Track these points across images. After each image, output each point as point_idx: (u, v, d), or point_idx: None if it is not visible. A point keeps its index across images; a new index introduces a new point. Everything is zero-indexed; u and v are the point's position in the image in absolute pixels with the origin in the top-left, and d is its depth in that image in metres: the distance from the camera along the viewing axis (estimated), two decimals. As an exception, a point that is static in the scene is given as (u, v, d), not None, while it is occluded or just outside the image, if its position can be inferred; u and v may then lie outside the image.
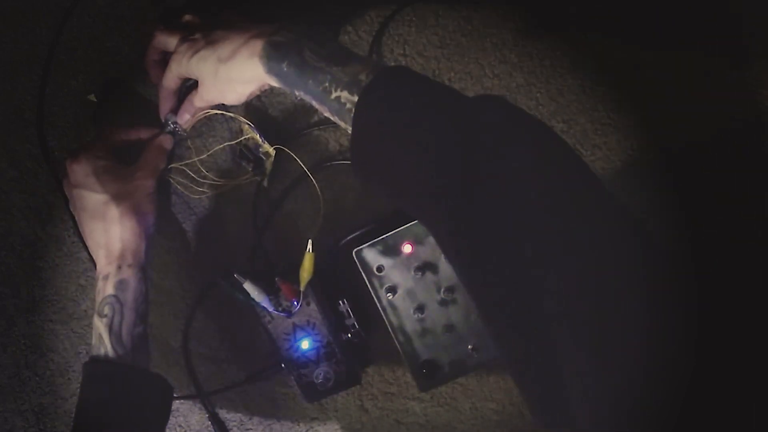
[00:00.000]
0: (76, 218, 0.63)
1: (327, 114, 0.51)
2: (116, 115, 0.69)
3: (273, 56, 0.51)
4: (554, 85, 0.66)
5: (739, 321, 0.38)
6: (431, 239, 0.61)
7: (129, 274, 0.60)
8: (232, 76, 0.54)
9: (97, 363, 0.59)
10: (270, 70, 0.52)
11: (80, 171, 0.61)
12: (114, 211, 0.60)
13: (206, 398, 0.72)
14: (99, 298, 0.60)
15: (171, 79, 0.60)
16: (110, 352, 0.58)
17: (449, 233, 0.43)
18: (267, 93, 0.67)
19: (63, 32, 0.68)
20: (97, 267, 0.61)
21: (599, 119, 0.66)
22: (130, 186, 0.61)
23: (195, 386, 0.71)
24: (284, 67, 0.51)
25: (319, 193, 0.67)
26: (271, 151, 0.65)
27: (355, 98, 0.47)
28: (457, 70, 0.67)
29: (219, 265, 0.70)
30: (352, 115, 0.47)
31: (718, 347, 0.37)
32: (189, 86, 0.63)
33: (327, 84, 0.49)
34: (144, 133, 0.66)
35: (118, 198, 0.60)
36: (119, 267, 0.60)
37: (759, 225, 0.65)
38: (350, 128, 0.48)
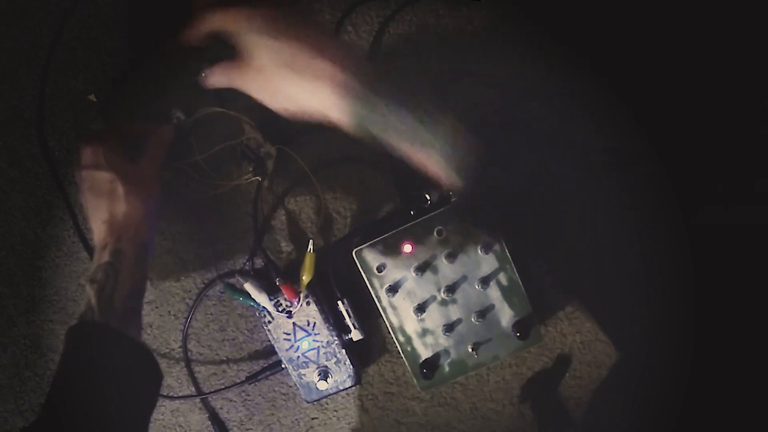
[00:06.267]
0: (83, 202, 0.62)
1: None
2: (116, 115, 0.69)
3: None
4: (554, 86, 0.66)
5: (737, 323, 0.38)
6: (431, 239, 0.61)
7: (127, 246, 0.58)
8: (298, 93, 0.49)
9: (83, 324, 0.55)
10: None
11: (90, 152, 0.61)
12: (120, 190, 0.59)
13: (206, 398, 0.72)
14: (93, 268, 0.57)
15: (208, 23, 0.50)
16: (98, 317, 0.54)
17: None
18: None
19: (63, 32, 0.68)
20: (96, 240, 0.59)
21: (599, 119, 0.66)
22: (135, 167, 0.61)
23: (195, 386, 0.71)
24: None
25: (320, 193, 0.67)
26: (273, 150, 0.65)
27: None
28: (457, 70, 0.67)
29: (219, 265, 0.70)
30: None
31: (715, 354, 0.37)
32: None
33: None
34: (151, 128, 0.65)
35: (125, 177, 0.59)
36: (119, 238, 0.58)
37: (758, 223, 0.65)
38: None
